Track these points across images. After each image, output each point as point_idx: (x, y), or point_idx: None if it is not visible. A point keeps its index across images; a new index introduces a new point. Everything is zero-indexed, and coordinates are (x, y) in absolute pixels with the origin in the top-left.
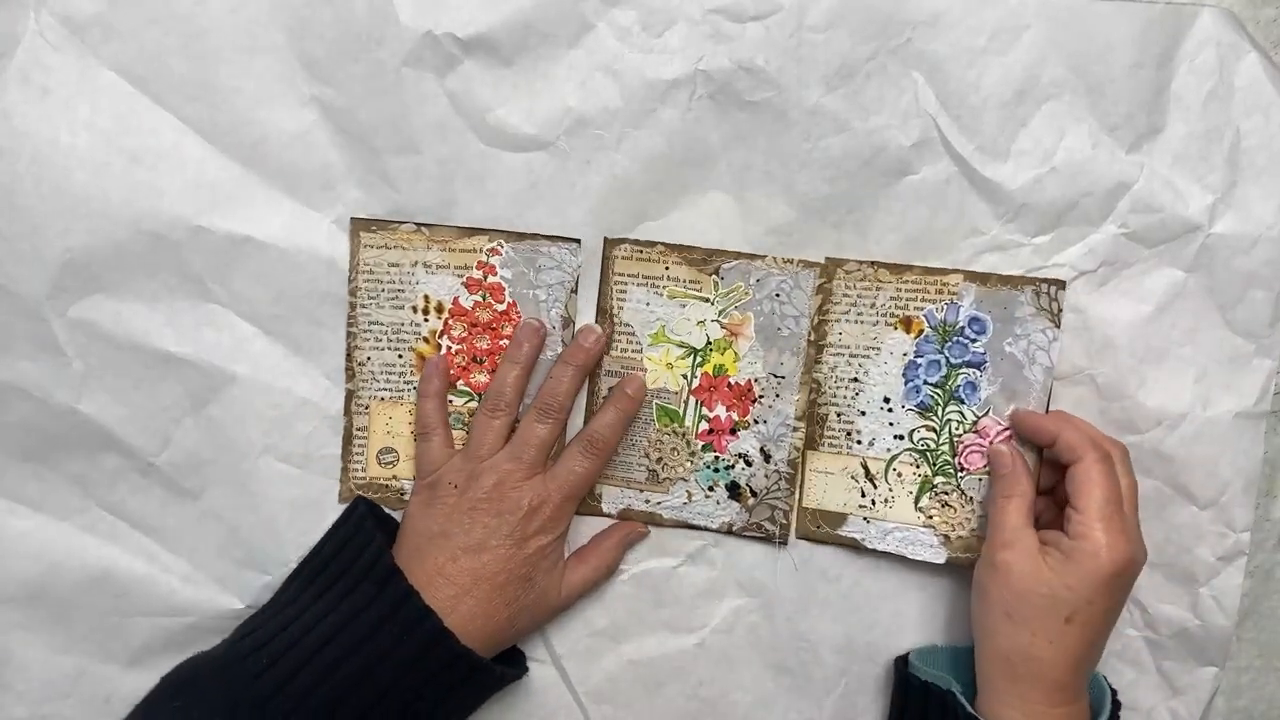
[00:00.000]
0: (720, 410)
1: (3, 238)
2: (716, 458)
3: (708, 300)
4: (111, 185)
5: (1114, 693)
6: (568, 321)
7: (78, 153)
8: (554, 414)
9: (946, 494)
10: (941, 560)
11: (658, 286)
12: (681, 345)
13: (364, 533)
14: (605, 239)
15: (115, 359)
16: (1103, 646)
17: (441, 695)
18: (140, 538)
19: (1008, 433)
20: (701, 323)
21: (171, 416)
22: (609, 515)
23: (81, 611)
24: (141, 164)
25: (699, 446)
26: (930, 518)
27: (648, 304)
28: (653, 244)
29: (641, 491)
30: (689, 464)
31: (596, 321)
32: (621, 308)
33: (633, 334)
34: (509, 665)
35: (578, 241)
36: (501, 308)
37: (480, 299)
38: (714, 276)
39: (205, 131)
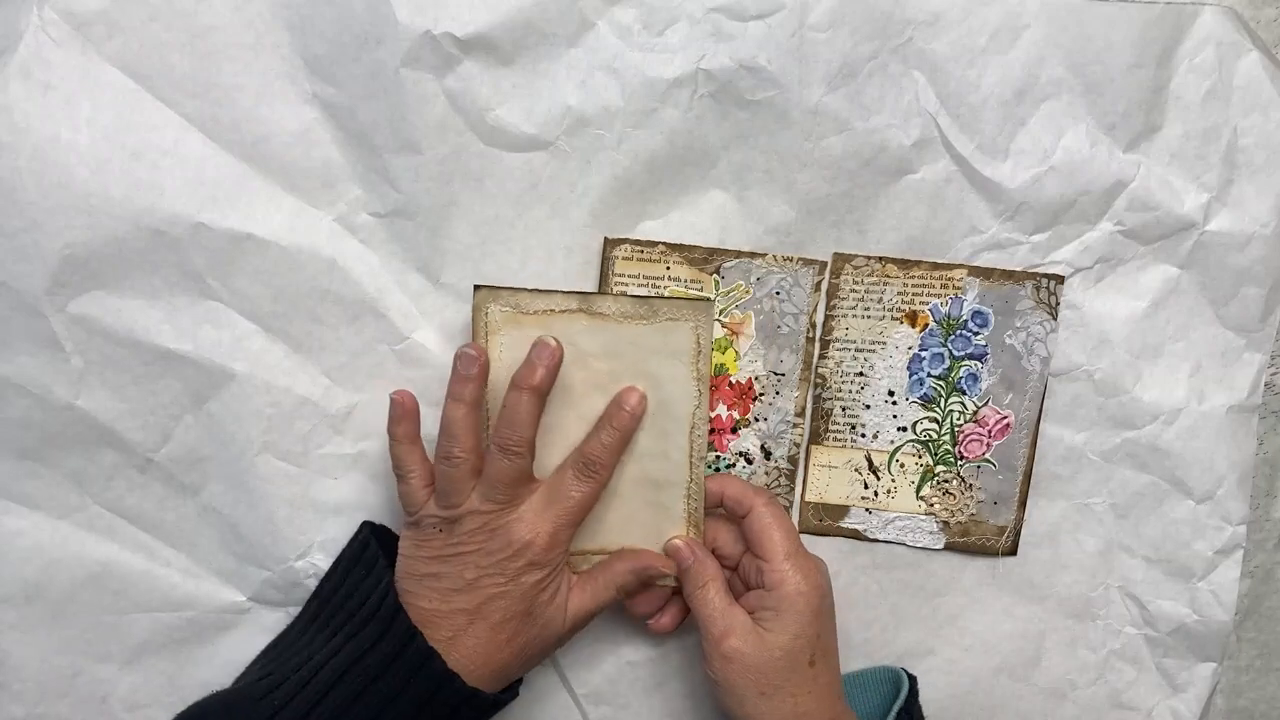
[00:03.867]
0: (721, 409)
1: (2, 233)
2: (718, 456)
3: (709, 300)
4: (112, 181)
5: (912, 678)
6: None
7: (79, 149)
8: (516, 449)
9: (947, 482)
10: (940, 546)
11: (658, 286)
12: None
13: (369, 565)
14: (605, 239)
15: (114, 355)
16: (837, 653)
17: None
18: (138, 533)
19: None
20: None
21: (170, 413)
22: None
23: (79, 610)
24: (142, 160)
25: None
26: (931, 506)
27: None
28: (653, 244)
29: None
30: None
31: None
32: None
33: None
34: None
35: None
36: None
37: None
38: (714, 276)
39: (206, 128)
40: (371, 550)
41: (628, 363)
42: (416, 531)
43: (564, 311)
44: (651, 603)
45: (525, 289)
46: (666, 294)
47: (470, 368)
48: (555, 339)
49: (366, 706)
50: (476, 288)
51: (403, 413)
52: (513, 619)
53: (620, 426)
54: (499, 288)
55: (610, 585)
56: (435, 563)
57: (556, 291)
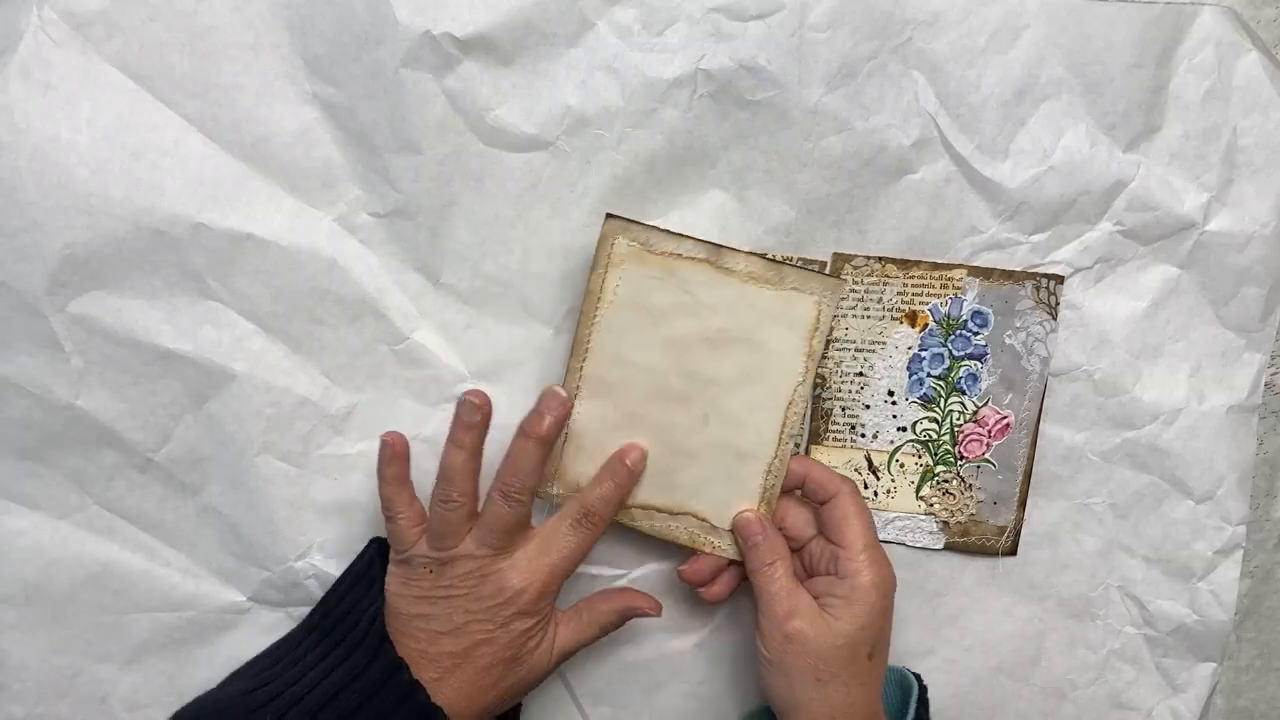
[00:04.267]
0: None
1: (2, 233)
2: None
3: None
4: (112, 181)
5: (918, 678)
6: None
7: (79, 149)
8: (517, 495)
9: (947, 482)
10: (939, 546)
11: None
12: None
13: (369, 585)
14: None
15: (114, 355)
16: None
17: None
18: (138, 533)
19: (755, 516)
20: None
21: (170, 413)
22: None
23: (79, 610)
24: (142, 160)
25: None
26: (931, 506)
27: None
28: None
29: None
30: None
31: None
32: None
33: None
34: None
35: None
36: None
37: None
38: None
39: (206, 129)
40: (374, 570)
41: (742, 323)
42: (406, 569)
43: (690, 259)
44: (704, 572)
45: (659, 227)
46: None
47: (473, 416)
48: (564, 389)
49: None
50: (608, 216)
51: (392, 454)
52: (499, 664)
53: (620, 482)
54: (632, 221)
55: (594, 624)
56: (423, 603)
57: (689, 237)
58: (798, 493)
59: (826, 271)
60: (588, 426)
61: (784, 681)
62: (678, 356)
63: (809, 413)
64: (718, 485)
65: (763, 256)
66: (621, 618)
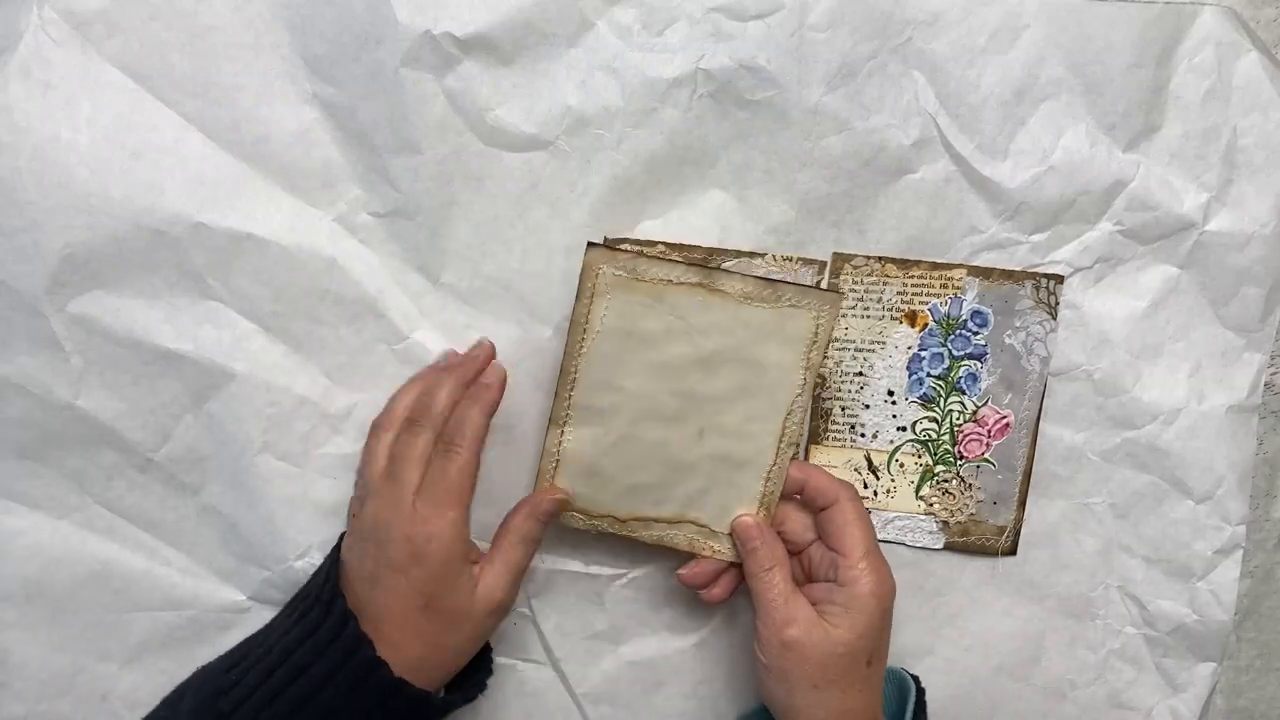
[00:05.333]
0: None
1: (2, 232)
2: None
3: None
4: (112, 181)
5: (916, 680)
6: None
7: (79, 148)
8: (427, 424)
9: (947, 481)
10: (939, 546)
11: None
12: None
13: (330, 562)
14: (605, 239)
15: (114, 355)
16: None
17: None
18: (138, 533)
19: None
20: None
21: (170, 413)
22: None
23: (79, 608)
24: (142, 160)
25: None
26: (930, 505)
27: None
28: (653, 243)
29: None
30: None
31: None
32: None
33: None
34: (466, 686)
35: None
36: None
37: None
38: None
39: (207, 128)
40: (336, 549)
41: (736, 343)
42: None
43: (682, 284)
44: (704, 575)
45: (645, 254)
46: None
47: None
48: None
49: (302, 689)
50: (590, 245)
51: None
52: (412, 613)
53: (486, 400)
54: (617, 249)
55: (515, 542)
56: (347, 551)
57: (679, 262)
58: (797, 497)
59: (827, 270)
60: (580, 452)
61: (782, 687)
62: (670, 379)
63: (809, 415)
64: (716, 493)
65: (757, 277)
66: (538, 521)
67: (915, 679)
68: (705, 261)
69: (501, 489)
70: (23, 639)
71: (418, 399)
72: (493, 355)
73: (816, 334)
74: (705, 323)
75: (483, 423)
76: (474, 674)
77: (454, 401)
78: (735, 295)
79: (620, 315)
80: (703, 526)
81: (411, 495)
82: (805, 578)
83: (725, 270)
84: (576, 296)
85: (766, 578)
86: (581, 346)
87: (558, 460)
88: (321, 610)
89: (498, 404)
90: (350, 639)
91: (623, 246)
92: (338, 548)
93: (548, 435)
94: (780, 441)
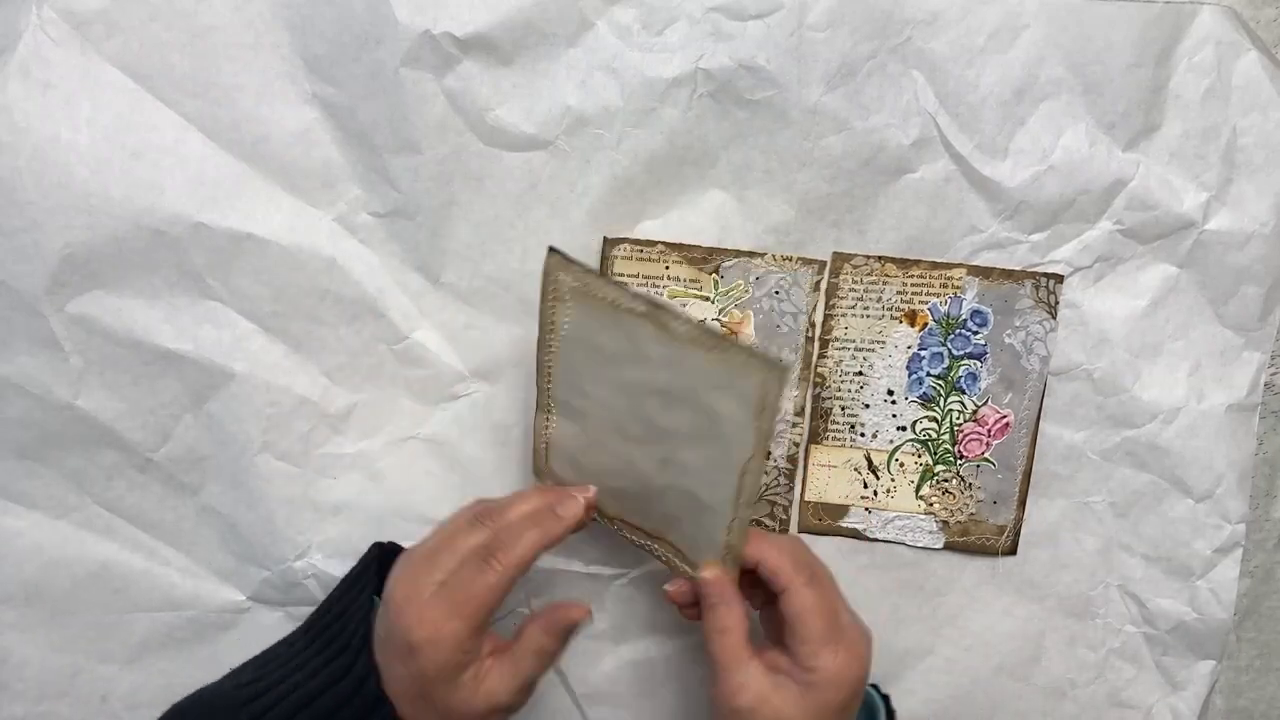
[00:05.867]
0: None
1: (2, 232)
2: None
3: (708, 299)
4: (112, 181)
5: (885, 699)
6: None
7: (78, 148)
8: (490, 525)
9: (947, 481)
10: (939, 545)
11: (658, 286)
12: None
13: (359, 590)
14: (605, 238)
15: (114, 354)
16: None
17: None
18: (138, 533)
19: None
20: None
21: (170, 413)
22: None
23: (78, 609)
24: (142, 160)
25: None
26: (930, 505)
27: None
28: (653, 243)
29: None
30: None
31: None
32: None
33: None
34: None
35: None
36: None
37: None
38: (714, 275)
39: (206, 128)
40: (369, 575)
41: (687, 385)
42: None
43: (630, 311)
44: (685, 595)
45: (598, 275)
46: (666, 293)
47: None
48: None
49: None
50: (550, 250)
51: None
52: (413, 700)
53: (547, 531)
54: (572, 261)
55: (527, 654)
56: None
57: (627, 290)
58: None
59: (827, 270)
60: (564, 443)
61: None
62: (631, 401)
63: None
64: (685, 524)
65: (703, 327)
66: (556, 638)
67: (886, 699)
68: (652, 298)
69: (501, 489)
70: (22, 640)
71: (501, 499)
72: (592, 505)
73: (764, 401)
74: (658, 356)
75: (533, 545)
76: None
77: (524, 517)
78: (681, 337)
79: (580, 326)
80: (678, 550)
81: (433, 587)
82: (775, 635)
83: (671, 311)
84: (541, 297)
85: (720, 640)
86: (550, 344)
87: (546, 443)
88: (348, 659)
89: (558, 539)
90: (372, 696)
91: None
92: (370, 566)
93: (535, 417)
94: (738, 498)
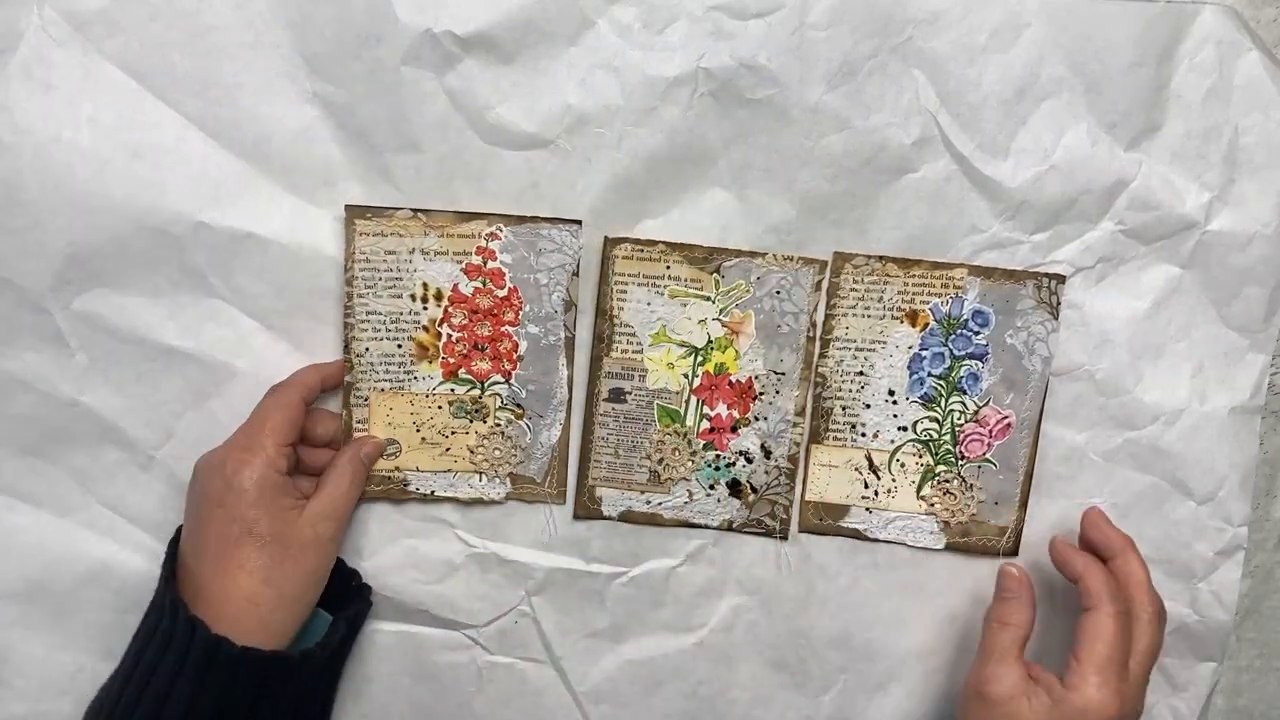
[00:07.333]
0: (721, 408)
1: (6, 231)
2: (718, 456)
3: (708, 299)
4: (114, 181)
5: None
6: (569, 305)
7: (80, 148)
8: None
9: (948, 481)
10: (940, 546)
11: (658, 286)
12: (683, 344)
13: (167, 559)
14: (605, 238)
15: (118, 352)
16: None
17: (235, 699)
18: (139, 533)
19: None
20: (703, 321)
21: (173, 410)
22: (609, 518)
23: (80, 608)
24: (144, 160)
25: (700, 446)
26: (932, 505)
27: (648, 304)
28: (653, 243)
29: (643, 493)
30: (690, 464)
31: (596, 322)
32: (622, 308)
33: (633, 334)
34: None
35: (578, 223)
36: (502, 293)
37: (480, 285)
38: (715, 275)
39: (208, 127)
40: (172, 549)
41: None
42: None
43: None
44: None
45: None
46: (667, 293)
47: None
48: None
49: (154, 690)
50: (348, 207)
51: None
52: (237, 545)
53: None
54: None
55: (339, 474)
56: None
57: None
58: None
59: (826, 272)
60: None
61: None
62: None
63: (810, 411)
64: None
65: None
66: (354, 464)
67: None
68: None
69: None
70: (24, 638)
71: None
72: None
73: None
74: None
75: (306, 371)
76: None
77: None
78: None
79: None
80: None
81: (230, 444)
82: (1072, 655)
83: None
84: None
85: (998, 631)
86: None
87: None
88: (156, 610)
89: (333, 372)
90: (184, 625)
91: (621, 246)
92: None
93: None
94: None
